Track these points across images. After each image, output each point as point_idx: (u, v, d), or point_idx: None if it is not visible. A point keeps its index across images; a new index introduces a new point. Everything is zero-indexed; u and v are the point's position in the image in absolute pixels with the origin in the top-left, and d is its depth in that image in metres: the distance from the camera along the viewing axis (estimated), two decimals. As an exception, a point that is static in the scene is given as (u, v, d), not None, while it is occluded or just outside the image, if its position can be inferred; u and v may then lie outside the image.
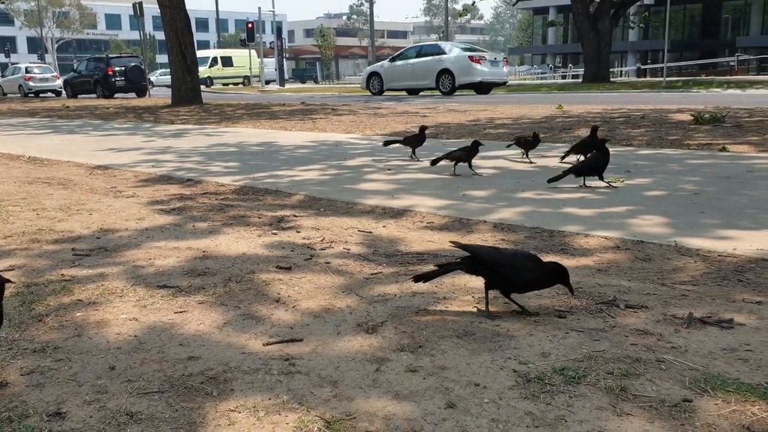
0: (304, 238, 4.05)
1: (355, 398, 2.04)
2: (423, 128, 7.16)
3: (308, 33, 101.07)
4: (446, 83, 23.50)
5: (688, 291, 2.93)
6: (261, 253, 3.72)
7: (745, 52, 48.16)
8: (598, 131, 6.23)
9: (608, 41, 30.88)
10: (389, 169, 6.81)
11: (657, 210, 4.52)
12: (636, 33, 54.80)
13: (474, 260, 2.71)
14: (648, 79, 40.16)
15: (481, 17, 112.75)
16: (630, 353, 2.28)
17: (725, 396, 1.96)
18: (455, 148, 6.42)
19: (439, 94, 23.65)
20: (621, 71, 51.68)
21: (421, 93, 25.52)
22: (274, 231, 4.25)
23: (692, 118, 10.23)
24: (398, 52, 26.43)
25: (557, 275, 2.67)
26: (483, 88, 23.88)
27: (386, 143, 7.64)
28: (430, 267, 3.39)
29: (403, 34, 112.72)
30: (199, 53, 31.64)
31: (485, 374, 2.15)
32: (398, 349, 2.37)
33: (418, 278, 2.79)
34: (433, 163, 6.45)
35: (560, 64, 61.32)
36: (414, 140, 7.21)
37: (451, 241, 2.91)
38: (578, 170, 5.37)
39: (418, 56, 24.66)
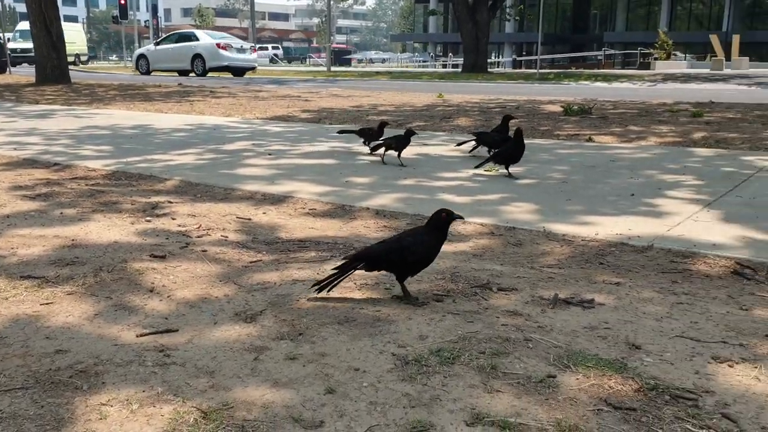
0: (179, 226, 3.92)
1: (233, 388, 2.01)
2: (383, 124, 6.58)
3: (186, 12, 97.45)
4: (199, 66, 27.26)
5: (554, 274, 3.10)
6: (134, 241, 3.57)
7: (611, 47, 51.15)
8: (510, 120, 6.46)
9: (486, 32, 31.85)
10: (270, 154, 6.72)
11: (528, 198, 4.74)
12: (512, 25, 56.86)
13: (369, 260, 2.69)
14: (523, 70, 41.83)
15: (363, 3, 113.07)
16: (501, 333, 2.39)
17: (585, 371, 2.09)
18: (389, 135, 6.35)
19: (322, 78, 23.53)
20: (498, 62, 53.52)
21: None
22: (148, 218, 4.09)
23: (562, 109, 10.77)
24: (162, 37, 30.71)
25: (444, 223, 2.72)
26: (236, 71, 27.90)
27: (341, 131, 7.47)
28: (312, 254, 3.38)
29: (285, 17, 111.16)
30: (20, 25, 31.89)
31: (365, 359, 2.18)
32: (278, 337, 2.36)
33: (321, 288, 2.67)
34: (373, 150, 6.28)
35: (441, 53, 62.64)
36: (370, 134, 6.66)
37: (345, 257, 2.84)
38: (497, 157, 5.49)
39: (177, 41, 28.37)
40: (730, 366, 2.14)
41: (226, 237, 3.70)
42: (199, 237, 3.69)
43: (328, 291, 2.68)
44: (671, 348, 2.27)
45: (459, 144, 6.92)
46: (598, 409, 1.88)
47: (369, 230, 3.89)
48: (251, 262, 3.23)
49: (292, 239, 3.67)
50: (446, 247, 3.52)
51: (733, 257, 3.28)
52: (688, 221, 4.00)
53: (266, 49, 62.15)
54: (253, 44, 32.39)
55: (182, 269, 3.12)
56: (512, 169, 5.52)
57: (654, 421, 1.82)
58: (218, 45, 26.81)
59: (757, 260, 3.23)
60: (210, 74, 27.28)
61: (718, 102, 12.64)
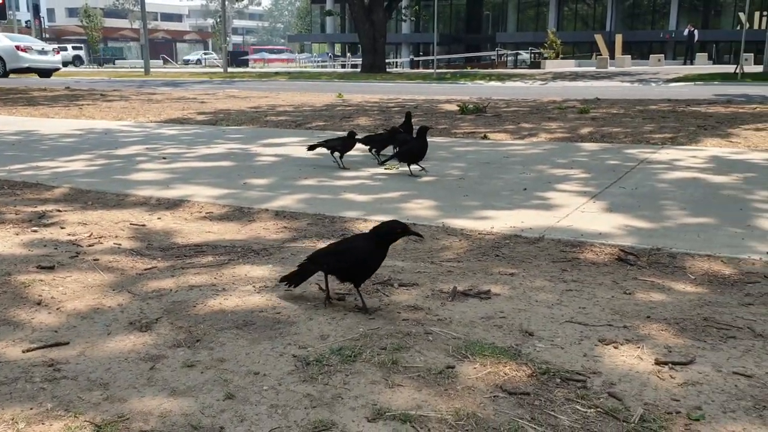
0: (69, 235, 3.75)
1: (129, 399, 1.94)
2: (394, 130, 6.15)
3: (71, 12, 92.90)
4: None
5: (453, 267, 3.17)
6: (19, 253, 3.38)
7: (503, 47, 52.86)
8: (412, 118, 6.50)
9: (383, 33, 32.19)
10: (165, 158, 6.53)
11: (428, 194, 4.83)
12: (408, 26, 57.71)
13: (314, 259, 2.68)
14: (421, 70, 42.55)
15: (259, 3, 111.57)
16: (402, 328, 2.43)
17: (482, 360, 2.16)
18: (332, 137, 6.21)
19: (219, 80, 23.08)
20: (396, 62, 54.18)
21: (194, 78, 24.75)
22: (35, 228, 3.89)
23: (459, 108, 11.03)
24: None
25: (390, 235, 2.60)
26: (41, 72, 28.48)
27: (313, 146, 6.11)
28: (210, 259, 3.32)
29: (179, 18, 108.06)
30: None
31: (265, 362, 2.16)
32: (174, 344, 2.30)
33: (289, 283, 2.73)
34: (310, 148, 5.97)
35: (339, 53, 62.75)
36: (380, 140, 6.18)
37: (308, 257, 2.74)
38: (400, 155, 5.51)
39: None
40: (615, 347, 2.27)
41: (120, 245, 3.57)
42: (90, 246, 3.54)
43: (294, 287, 2.74)
44: (561, 333, 2.38)
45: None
46: (494, 396, 1.94)
47: (269, 232, 3.85)
48: (146, 270, 3.13)
49: (189, 244, 3.58)
50: (347, 246, 3.54)
51: (618, 245, 3.47)
52: (576, 212, 4.20)
53: (66, 49, 58.74)
54: (56, 46, 33.48)
55: (72, 280, 2.98)
56: (412, 167, 5.60)
57: (546, 404, 1.90)
58: (18, 47, 27.58)
59: (639, 247, 3.44)
60: (12, 75, 27.98)
61: (604, 99, 13.31)
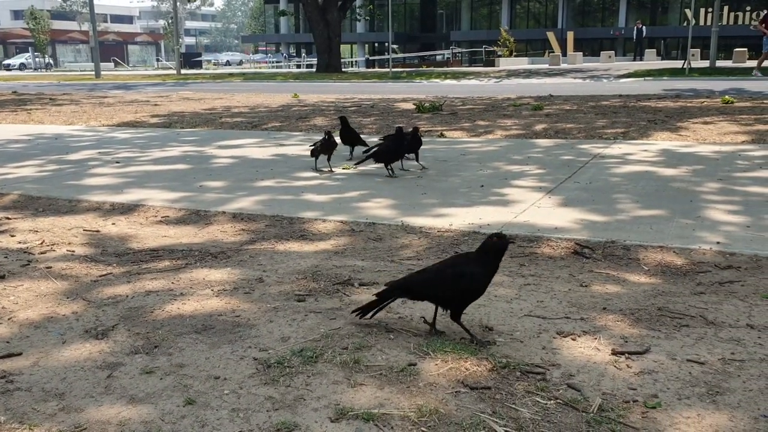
0: (19, 243, 3.65)
1: (86, 408, 1.90)
2: (416, 128, 5.75)
3: (17, 15, 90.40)
4: None
5: (413, 265, 3.18)
6: (-34, 263, 3.28)
7: (458, 45, 53.23)
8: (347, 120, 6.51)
9: (338, 32, 32.10)
10: (118, 162, 6.40)
11: (386, 193, 4.84)
12: (363, 25, 57.67)
13: (407, 291, 2.39)
14: (376, 69, 42.54)
15: (211, 4, 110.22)
16: (363, 327, 2.43)
17: (444, 356, 2.18)
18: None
19: (172, 82, 22.73)
20: (352, 62, 54.13)
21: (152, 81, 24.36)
22: (-17, 236, 3.78)
23: (415, 107, 11.07)
24: None
25: (498, 252, 2.33)
26: None
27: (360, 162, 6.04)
28: (167, 263, 3.27)
29: (129, 19, 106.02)
30: None
31: (225, 366, 2.14)
32: (132, 351, 2.26)
33: (362, 313, 2.43)
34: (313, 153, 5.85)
35: (294, 53, 62.42)
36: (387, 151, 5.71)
37: (386, 284, 2.47)
38: (376, 155, 5.44)
39: None
40: (573, 339, 2.30)
41: (73, 251, 3.49)
42: (42, 253, 3.45)
43: (371, 317, 2.44)
44: (520, 327, 2.41)
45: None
46: (456, 391, 1.96)
47: (226, 235, 3.81)
48: (101, 276, 3.06)
49: (145, 249, 3.52)
50: (307, 247, 3.53)
51: (573, 239, 3.53)
52: (533, 208, 4.25)
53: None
54: None
55: (24, 288, 2.91)
56: (369, 167, 5.60)
57: (507, 397, 1.92)
58: None
59: (594, 240, 3.50)
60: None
61: (557, 95, 13.52)
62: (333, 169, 5.78)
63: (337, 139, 5.93)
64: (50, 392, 2.00)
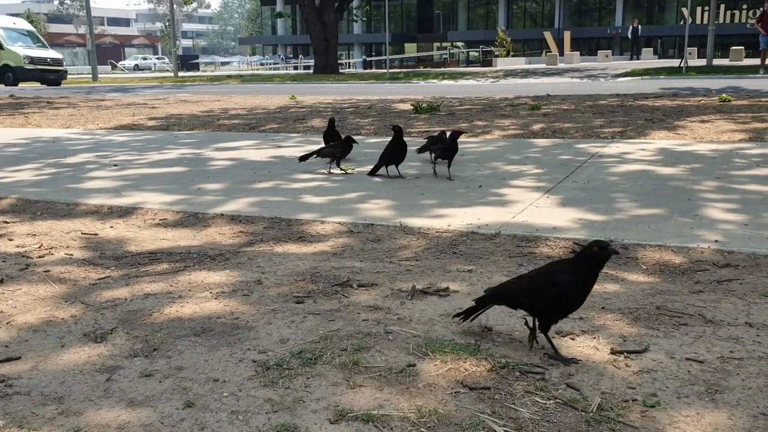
0: (18, 247, 3.65)
1: (85, 412, 1.90)
2: (456, 132, 5.50)
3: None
4: None
5: (412, 266, 3.19)
6: (-36, 267, 3.28)
7: (454, 45, 53.29)
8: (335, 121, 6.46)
9: (335, 33, 32.12)
10: (115, 165, 6.40)
11: (385, 194, 4.84)
12: (360, 26, 57.69)
13: (505, 299, 2.30)
14: (374, 70, 42.58)
15: (208, 6, 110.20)
16: (362, 329, 2.43)
17: (443, 357, 2.17)
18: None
19: (170, 84, 22.73)
20: (349, 63, 54.12)
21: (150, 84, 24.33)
22: (-19, 241, 3.77)
23: (413, 107, 11.07)
24: None
25: (596, 264, 2.17)
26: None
27: (420, 150, 6.19)
28: (165, 266, 3.27)
29: (126, 22, 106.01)
30: None
31: (224, 368, 2.14)
32: (131, 354, 2.26)
33: (464, 317, 2.36)
34: (302, 159, 5.90)
35: (291, 55, 62.42)
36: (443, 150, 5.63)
37: (485, 290, 2.39)
38: (382, 159, 5.41)
39: None
40: (572, 338, 2.31)
41: (71, 255, 3.49)
42: (40, 257, 3.45)
43: (471, 320, 2.38)
44: (519, 327, 2.41)
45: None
46: (455, 392, 1.96)
47: (224, 237, 3.81)
48: (99, 279, 3.06)
49: (143, 252, 3.52)
50: (305, 249, 3.53)
51: (571, 238, 3.53)
52: (531, 208, 4.26)
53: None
54: None
55: (23, 292, 2.91)
56: (367, 168, 5.59)
57: (506, 397, 1.92)
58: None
59: (593, 239, 3.49)
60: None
61: (554, 95, 13.53)
62: (332, 171, 5.78)
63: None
64: (49, 396, 2.00)
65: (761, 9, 19.86)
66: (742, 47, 30.33)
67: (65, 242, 3.73)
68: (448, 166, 5.41)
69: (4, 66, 27.73)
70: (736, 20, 43.31)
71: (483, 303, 2.32)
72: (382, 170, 5.49)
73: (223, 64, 68.14)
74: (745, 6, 43.39)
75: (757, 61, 19.76)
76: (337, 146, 5.81)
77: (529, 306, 2.22)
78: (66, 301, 2.78)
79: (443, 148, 5.35)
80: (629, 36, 36.98)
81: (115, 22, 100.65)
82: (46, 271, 3.19)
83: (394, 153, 5.37)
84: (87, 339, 2.40)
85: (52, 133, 9.59)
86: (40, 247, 3.63)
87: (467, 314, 2.35)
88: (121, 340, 2.38)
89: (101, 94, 18.94)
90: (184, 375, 2.10)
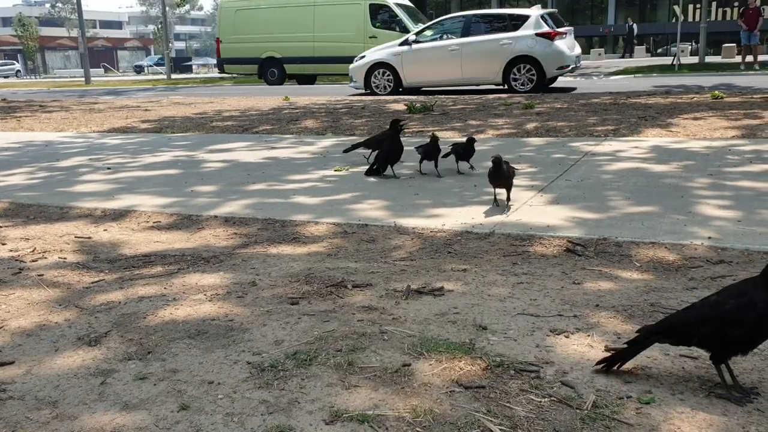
0: (11, 251, 3.63)
1: (80, 416, 1.89)
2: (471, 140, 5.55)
3: (5, 22, 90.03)
4: None
5: (406, 266, 3.19)
6: (-43, 272, 3.26)
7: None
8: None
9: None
10: (109, 168, 6.38)
11: (379, 195, 4.84)
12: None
13: (673, 334, 1.99)
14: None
15: (201, 8, 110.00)
16: (357, 329, 2.43)
17: (438, 356, 2.18)
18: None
19: (162, 87, 22.72)
20: (342, 63, 54.10)
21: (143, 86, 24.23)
22: (-26, 245, 3.76)
23: (406, 107, 11.06)
24: None
25: None
26: None
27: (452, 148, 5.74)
28: (159, 268, 3.25)
29: (118, 25, 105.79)
30: None
31: (219, 371, 2.13)
32: (125, 358, 2.25)
33: (608, 365, 2.05)
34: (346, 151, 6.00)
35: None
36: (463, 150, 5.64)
37: (638, 330, 2.07)
38: (377, 159, 5.43)
39: None
40: (566, 337, 2.31)
41: (65, 258, 3.48)
42: (34, 261, 3.44)
43: (618, 368, 2.05)
44: (514, 325, 2.41)
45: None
46: (450, 391, 1.96)
47: (218, 239, 3.80)
48: (93, 283, 3.05)
49: (137, 255, 3.51)
50: (300, 250, 3.53)
51: (565, 236, 3.53)
52: (525, 206, 4.26)
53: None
54: None
55: (16, 297, 2.90)
56: (360, 169, 5.59)
57: (501, 396, 1.92)
58: None
59: (587, 237, 3.51)
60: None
61: (547, 94, 13.54)
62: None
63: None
64: (43, 400, 2.00)
65: (744, 6, 19.96)
66: (735, 44, 30.41)
67: (58, 246, 3.72)
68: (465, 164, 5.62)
69: None
70: (728, 17, 43.45)
71: (639, 344, 2.01)
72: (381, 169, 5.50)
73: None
74: (736, 3, 43.56)
75: (749, 58, 19.83)
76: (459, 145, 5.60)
77: (714, 337, 1.89)
78: (60, 305, 2.78)
79: (459, 151, 5.52)
80: (626, 33, 37.09)
81: (107, 24, 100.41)
82: (39, 275, 3.18)
83: (390, 152, 5.37)
84: (81, 343, 2.39)
85: (45, 136, 9.56)
86: (33, 251, 3.62)
87: (614, 360, 2.03)
88: (116, 344, 2.37)
89: (94, 97, 18.88)
90: (178, 378, 2.10)
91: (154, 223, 4.22)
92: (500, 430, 1.75)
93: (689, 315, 1.96)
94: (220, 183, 5.45)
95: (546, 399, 1.90)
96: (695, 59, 24.83)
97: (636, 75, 20.31)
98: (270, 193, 5.02)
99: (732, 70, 19.06)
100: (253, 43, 21.33)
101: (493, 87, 15.06)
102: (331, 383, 2.03)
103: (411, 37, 15.73)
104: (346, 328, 2.45)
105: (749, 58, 19.70)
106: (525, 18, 14.41)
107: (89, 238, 3.89)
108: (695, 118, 8.30)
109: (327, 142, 7.88)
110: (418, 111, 10.66)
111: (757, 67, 18.85)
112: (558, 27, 14.50)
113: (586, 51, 41.56)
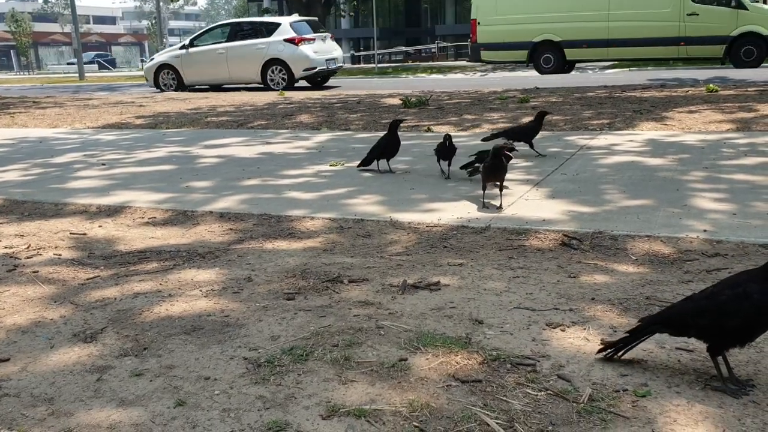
0: (5, 248, 3.62)
1: (76, 412, 1.89)
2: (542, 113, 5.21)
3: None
4: None
5: (402, 261, 3.19)
6: (-49, 269, 3.25)
7: (443, 39, 53.20)
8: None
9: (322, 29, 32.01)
10: (103, 164, 6.36)
11: (374, 189, 4.83)
12: (348, 21, 57.54)
13: (670, 325, 2.00)
14: (362, 65, 42.46)
15: (195, 3, 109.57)
16: (353, 324, 2.43)
17: (434, 350, 2.18)
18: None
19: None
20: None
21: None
22: (-32, 242, 3.74)
23: (402, 102, 11.05)
24: None
25: None
26: None
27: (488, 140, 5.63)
28: (154, 265, 3.25)
29: (112, 20, 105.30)
30: None
31: (215, 366, 2.13)
32: (121, 354, 2.25)
33: (608, 353, 2.08)
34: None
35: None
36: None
37: (640, 319, 2.07)
38: (372, 152, 5.41)
39: None
40: (562, 330, 2.31)
41: (60, 255, 3.47)
42: (29, 258, 3.43)
43: (620, 356, 2.08)
44: (510, 319, 2.41)
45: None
46: (447, 385, 1.96)
47: (214, 235, 3.79)
48: (88, 279, 3.05)
49: (132, 251, 3.51)
50: (295, 245, 3.52)
51: (561, 230, 3.54)
52: (520, 200, 4.26)
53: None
54: None
55: (11, 294, 2.89)
56: (355, 163, 5.58)
57: (498, 390, 1.93)
58: None
59: (582, 231, 3.51)
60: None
61: (543, 87, 13.54)
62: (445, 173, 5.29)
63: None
64: (39, 397, 1.99)
65: None
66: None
67: (54, 242, 3.71)
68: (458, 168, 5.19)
69: None
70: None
71: (639, 333, 2.01)
72: (374, 165, 5.49)
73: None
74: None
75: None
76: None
77: (710, 328, 1.89)
78: (55, 302, 2.77)
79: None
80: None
81: (100, 20, 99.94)
82: (34, 272, 3.17)
83: (387, 147, 5.37)
84: (77, 339, 2.39)
85: (39, 132, 9.52)
86: (28, 247, 3.61)
87: (616, 348, 2.05)
88: (111, 340, 2.37)
89: (88, 93, 18.80)
90: (174, 374, 2.09)
91: (149, 219, 4.21)
92: (497, 423, 1.76)
93: (687, 306, 1.97)
94: (215, 178, 5.44)
95: (542, 392, 1.91)
96: (690, 52, 24.79)
97: (631, 68, 20.32)
98: (265, 188, 5.01)
99: (726, 64, 19.05)
100: (524, 24, 18.21)
101: (255, 85, 16.90)
102: (327, 378, 2.03)
103: (187, 42, 17.65)
104: (342, 323, 2.44)
105: None
106: (277, 25, 16.64)
107: (84, 234, 3.88)
108: (690, 112, 8.31)
109: (322, 137, 7.87)
110: (413, 105, 10.64)
111: None
112: (315, 32, 16.84)
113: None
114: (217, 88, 17.60)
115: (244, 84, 17.06)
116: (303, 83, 17.10)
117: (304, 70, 16.15)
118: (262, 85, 16.62)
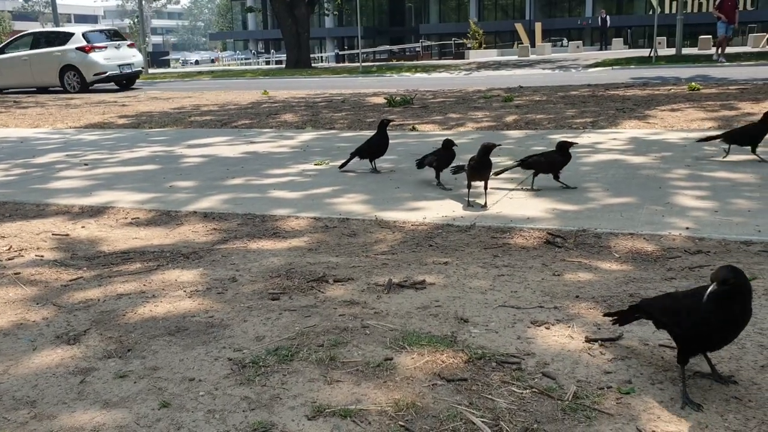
0: (-14, 249, 3.58)
1: (58, 415, 1.87)
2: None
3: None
4: None
5: (388, 260, 3.19)
6: (-69, 272, 3.21)
7: (427, 38, 53.29)
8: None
9: (306, 28, 31.91)
10: (86, 164, 6.31)
11: (359, 188, 4.83)
12: (332, 20, 57.44)
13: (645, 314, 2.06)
14: (347, 64, 42.40)
15: (177, 2, 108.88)
16: (338, 324, 2.42)
17: (420, 349, 2.18)
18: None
19: (140, 81, 22.44)
20: (322, 57, 53.88)
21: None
22: (-52, 244, 3.70)
23: (386, 101, 11.05)
24: None
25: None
26: None
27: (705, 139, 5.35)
28: (138, 265, 3.23)
29: (94, 19, 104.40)
30: None
31: (200, 368, 2.12)
32: (105, 356, 2.23)
33: (619, 322, 2.16)
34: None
35: (263, 50, 61.96)
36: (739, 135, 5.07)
37: (643, 299, 2.13)
38: (360, 152, 5.35)
39: None
40: (547, 328, 2.32)
41: (42, 256, 3.43)
42: (10, 259, 3.39)
43: (621, 325, 2.19)
44: (495, 318, 2.42)
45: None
46: (433, 384, 1.96)
47: (198, 235, 3.77)
48: (71, 281, 3.02)
49: (115, 252, 3.48)
50: (280, 245, 3.51)
51: (545, 228, 3.55)
52: (505, 199, 4.28)
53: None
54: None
55: (-9, 296, 2.85)
56: (340, 162, 5.57)
57: (483, 388, 1.93)
58: None
59: (566, 229, 3.53)
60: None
61: (526, 86, 13.59)
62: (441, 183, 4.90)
63: None
64: (21, 400, 1.97)
65: None
66: (710, 36, 30.72)
67: (36, 243, 3.67)
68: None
69: None
70: (704, 9, 43.84)
71: (632, 312, 2.08)
72: (353, 163, 5.48)
73: (197, 62, 66.95)
74: (713, -6, 44.00)
75: (718, 50, 19.99)
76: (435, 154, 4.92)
77: (670, 330, 1.93)
78: (37, 304, 2.74)
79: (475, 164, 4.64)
80: (599, 26, 37.34)
81: (82, 19, 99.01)
82: (16, 274, 3.14)
83: (378, 147, 5.36)
84: (59, 341, 2.37)
85: (20, 132, 9.42)
86: (9, 249, 3.57)
87: (620, 319, 2.13)
88: (95, 342, 2.35)
89: (71, 93, 18.63)
90: (159, 375, 2.08)
91: (132, 219, 4.18)
92: (482, 422, 1.76)
93: (660, 304, 2.00)
94: (199, 178, 5.41)
95: (527, 390, 1.91)
96: (672, 51, 25.03)
97: (614, 67, 20.44)
98: (249, 187, 4.99)
99: (708, 62, 19.24)
100: None
101: (56, 87, 18.46)
102: (313, 378, 2.02)
103: (0, 48, 19.69)
104: (327, 323, 2.44)
105: (718, 50, 19.85)
106: (71, 35, 18.83)
107: (67, 235, 3.84)
108: (672, 110, 8.38)
109: (307, 135, 7.85)
110: (398, 104, 10.65)
111: (724, 60, 19.01)
112: (110, 41, 19.04)
113: (564, 43, 41.77)
114: (25, 91, 19.20)
115: (47, 87, 18.76)
116: (112, 85, 19.16)
117: (94, 75, 18.11)
118: (61, 88, 18.43)
